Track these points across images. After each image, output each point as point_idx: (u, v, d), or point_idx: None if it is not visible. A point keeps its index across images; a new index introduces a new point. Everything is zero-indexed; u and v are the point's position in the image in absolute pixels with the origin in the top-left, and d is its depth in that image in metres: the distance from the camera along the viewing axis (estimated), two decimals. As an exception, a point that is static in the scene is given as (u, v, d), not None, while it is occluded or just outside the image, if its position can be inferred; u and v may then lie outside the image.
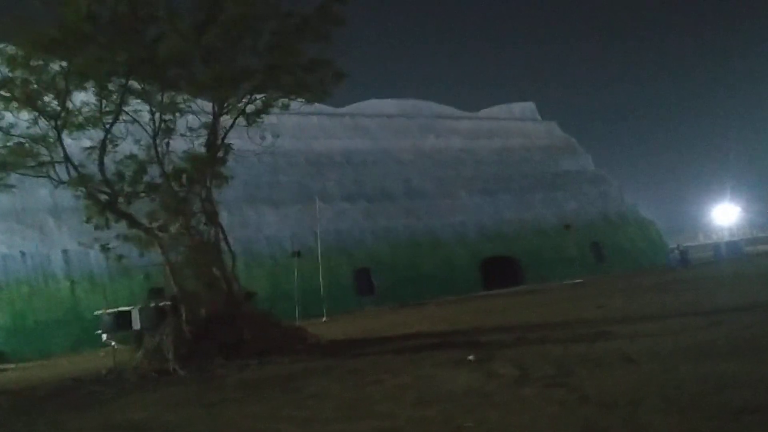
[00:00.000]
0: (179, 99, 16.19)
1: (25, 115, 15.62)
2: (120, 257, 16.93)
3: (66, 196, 31.15)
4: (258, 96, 16.44)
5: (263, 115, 16.73)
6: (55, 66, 14.77)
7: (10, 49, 14.14)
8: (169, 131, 16.39)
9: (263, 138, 16.91)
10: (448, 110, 53.12)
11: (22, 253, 32.35)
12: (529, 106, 57.01)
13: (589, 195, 50.17)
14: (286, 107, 17.11)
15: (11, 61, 14.10)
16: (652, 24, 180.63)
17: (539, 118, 56.81)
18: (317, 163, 43.67)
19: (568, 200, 48.84)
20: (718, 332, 11.65)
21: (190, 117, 16.94)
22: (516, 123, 54.47)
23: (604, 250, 46.66)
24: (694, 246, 62.65)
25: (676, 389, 7.56)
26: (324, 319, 30.11)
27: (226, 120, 16.82)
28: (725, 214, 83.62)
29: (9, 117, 15.65)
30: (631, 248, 47.76)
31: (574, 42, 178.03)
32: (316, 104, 43.81)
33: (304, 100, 16.90)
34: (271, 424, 8.28)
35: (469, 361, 11.10)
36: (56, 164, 15.92)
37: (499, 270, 42.94)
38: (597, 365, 9.65)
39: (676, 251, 44.30)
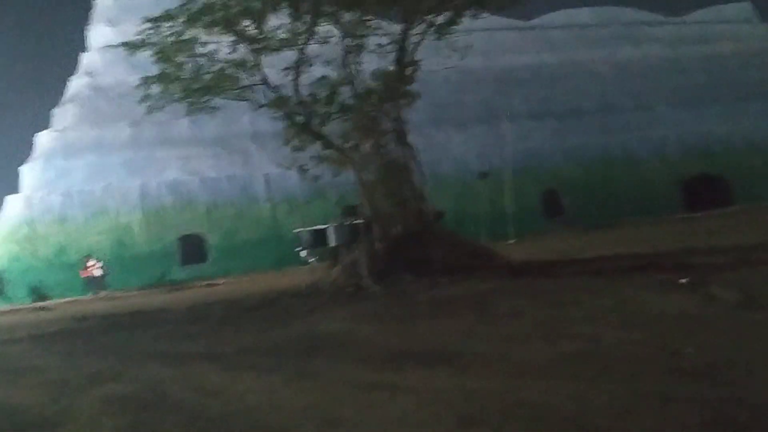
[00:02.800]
0: (367, 16, 15.95)
1: (224, 40, 16.30)
2: (316, 177, 17.49)
3: (265, 122, 33.15)
4: (447, 6, 15.71)
5: (453, 27, 16.04)
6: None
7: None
8: (360, 50, 16.31)
9: (455, 51, 16.30)
10: (648, 16, 48.64)
11: (229, 177, 34.98)
12: (744, 7, 50.50)
13: (816, 103, 43.89)
14: (476, 17, 16.29)
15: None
16: None
17: (757, 19, 50.24)
18: (504, 81, 42.10)
19: (790, 110, 43.13)
20: None
21: (380, 35, 16.74)
22: (728, 26, 48.62)
23: (834, 166, 40.94)
24: None
25: None
26: (511, 240, 29.58)
27: (414, 37, 16.38)
28: None
29: (209, 43, 16.39)
30: None
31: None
32: (504, 18, 42.47)
33: (493, 7, 15.92)
34: (466, 340, 8.06)
35: (681, 284, 10.08)
36: (255, 87, 16.56)
37: (704, 190, 39.39)
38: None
39: None
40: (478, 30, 17.33)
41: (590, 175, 38.98)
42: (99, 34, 37.63)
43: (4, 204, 33.93)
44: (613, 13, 48.42)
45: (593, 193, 37.80)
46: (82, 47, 38.83)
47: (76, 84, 37.49)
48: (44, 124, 36.62)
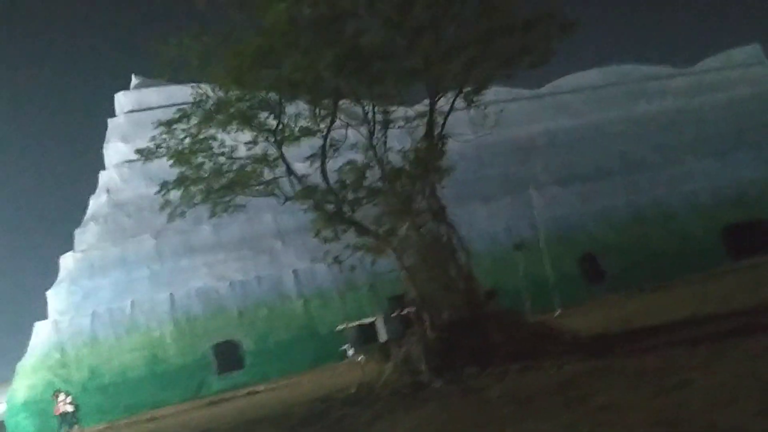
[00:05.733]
0: (390, 92, 15.18)
1: (243, 137, 15.63)
2: (352, 267, 16.36)
3: (288, 218, 32.61)
4: (474, 71, 14.87)
5: (483, 92, 15.20)
6: (263, 80, 14.51)
7: (220, 69, 14.05)
8: (385, 128, 15.48)
9: (485, 118, 15.40)
10: (658, 70, 48.20)
11: (258, 278, 33.99)
12: (753, 50, 49.99)
13: None
14: (507, 77, 15.51)
15: (226, 77, 13.96)
16: None
17: (767, 60, 49.73)
18: (522, 150, 41.53)
19: (821, 146, 41.81)
20: None
21: (405, 110, 15.98)
22: (740, 71, 48.09)
23: None
24: None
25: None
26: (557, 312, 28.07)
27: (440, 114, 15.56)
28: None
29: (228, 141, 15.73)
30: None
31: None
32: (513, 89, 42.25)
33: (525, 66, 15.07)
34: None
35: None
36: (280, 180, 15.75)
37: (747, 238, 37.71)
38: None
39: None
40: (488, 103, 16.59)
41: (625, 236, 37.65)
42: (114, 151, 37.73)
43: (34, 331, 33.10)
44: (621, 71, 48.09)
45: (631, 255, 36.33)
46: (100, 166, 38.90)
47: (95, 202, 37.31)
48: (68, 246, 36.22)
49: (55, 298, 33.97)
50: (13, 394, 31.56)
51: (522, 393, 9.99)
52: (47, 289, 34.44)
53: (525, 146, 41.37)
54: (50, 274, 35.73)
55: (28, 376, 31.69)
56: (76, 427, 27.31)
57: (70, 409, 27.82)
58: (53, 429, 28.55)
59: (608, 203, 38.88)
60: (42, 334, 32.74)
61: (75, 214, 38.39)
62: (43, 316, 33.75)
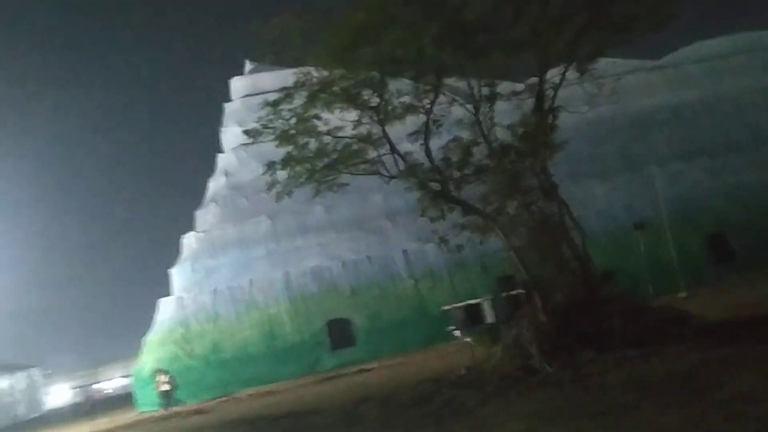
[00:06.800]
0: (496, 65, 14.54)
1: (349, 116, 15.54)
2: (459, 247, 16.00)
3: (397, 198, 32.60)
4: (586, 38, 13.96)
5: (596, 61, 14.27)
6: (365, 58, 14.28)
7: (322, 48, 13.95)
8: (492, 100, 14.90)
9: (600, 89, 14.50)
10: (794, 35, 44.17)
11: (369, 258, 34.36)
12: None
13: None
14: (623, 44, 14.48)
15: (327, 56, 13.86)
16: None
17: None
18: (642, 125, 39.21)
19: None
20: None
21: (513, 83, 15.32)
22: None
23: None
24: None
25: None
26: (682, 294, 26.49)
27: (551, 86, 14.78)
28: None
29: (333, 120, 15.68)
30: None
31: None
32: (632, 61, 39.98)
33: (642, 31, 13.98)
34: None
35: None
36: (384, 159, 15.58)
37: None
38: None
39: None
40: (603, 75, 15.50)
41: (755, 214, 34.79)
42: (231, 134, 39.01)
43: (158, 307, 35.02)
44: (752, 38, 44.26)
45: (762, 233, 33.59)
46: (218, 149, 40.43)
47: (214, 184, 38.85)
48: (190, 226, 37.93)
49: (179, 276, 35.74)
50: (141, 366, 33.55)
51: (643, 381, 9.32)
52: (171, 267, 36.32)
53: (645, 120, 39.06)
54: (174, 254, 37.62)
55: (155, 349, 33.55)
56: (172, 407, 28.71)
57: (166, 388, 29.37)
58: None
59: (737, 179, 36.09)
60: (167, 310, 34.54)
61: (196, 196, 40.04)
62: (167, 293, 35.64)
